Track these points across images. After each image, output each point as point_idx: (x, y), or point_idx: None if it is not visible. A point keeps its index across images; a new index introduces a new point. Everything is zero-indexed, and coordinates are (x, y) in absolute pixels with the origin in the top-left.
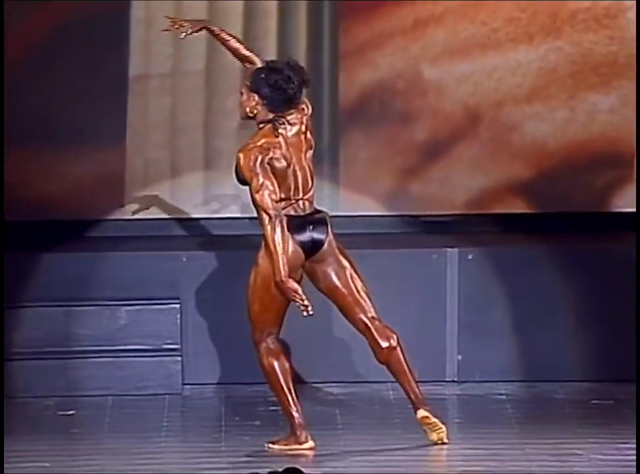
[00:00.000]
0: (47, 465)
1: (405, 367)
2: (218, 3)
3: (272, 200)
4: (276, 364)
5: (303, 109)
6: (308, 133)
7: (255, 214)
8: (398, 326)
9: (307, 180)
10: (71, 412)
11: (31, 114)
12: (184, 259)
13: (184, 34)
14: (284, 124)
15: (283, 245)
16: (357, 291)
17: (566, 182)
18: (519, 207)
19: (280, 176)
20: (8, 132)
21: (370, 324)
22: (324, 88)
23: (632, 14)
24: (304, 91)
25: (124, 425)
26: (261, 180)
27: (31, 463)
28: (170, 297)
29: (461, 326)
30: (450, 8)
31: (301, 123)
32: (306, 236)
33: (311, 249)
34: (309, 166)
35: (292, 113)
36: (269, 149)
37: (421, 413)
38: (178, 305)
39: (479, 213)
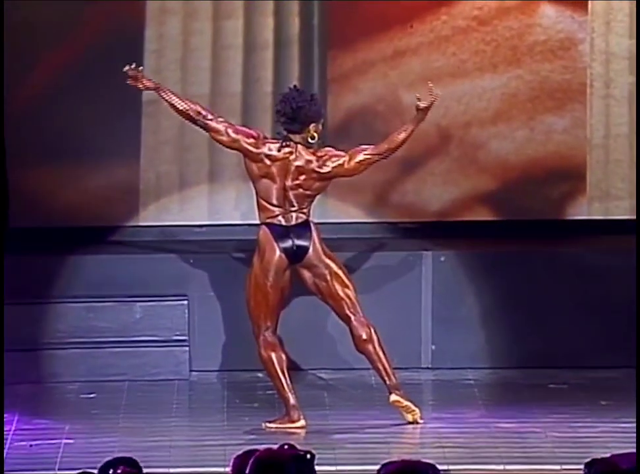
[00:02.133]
0: (72, 441)
1: (381, 356)
2: (221, 38)
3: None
4: (272, 354)
5: (291, 152)
6: (302, 169)
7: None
8: (379, 320)
9: (301, 200)
10: (92, 395)
11: (56, 133)
12: (191, 261)
13: (141, 88)
14: (288, 144)
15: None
16: (340, 290)
17: (526, 193)
18: (485, 215)
19: (259, 180)
20: (36, 149)
21: (351, 318)
22: None
23: (583, 47)
24: (299, 121)
25: (138, 407)
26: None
27: (57, 439)
28: (179, 294)
29: (434, 320)
30: (425, 41)
31: (290, 157)
32: (289, 243)
33: (295, 254)
34: (301, 193)
35: (293, 140)
36: (257, 145)
37: (392, 397)
38: (185, 302)
39: (450, 221)
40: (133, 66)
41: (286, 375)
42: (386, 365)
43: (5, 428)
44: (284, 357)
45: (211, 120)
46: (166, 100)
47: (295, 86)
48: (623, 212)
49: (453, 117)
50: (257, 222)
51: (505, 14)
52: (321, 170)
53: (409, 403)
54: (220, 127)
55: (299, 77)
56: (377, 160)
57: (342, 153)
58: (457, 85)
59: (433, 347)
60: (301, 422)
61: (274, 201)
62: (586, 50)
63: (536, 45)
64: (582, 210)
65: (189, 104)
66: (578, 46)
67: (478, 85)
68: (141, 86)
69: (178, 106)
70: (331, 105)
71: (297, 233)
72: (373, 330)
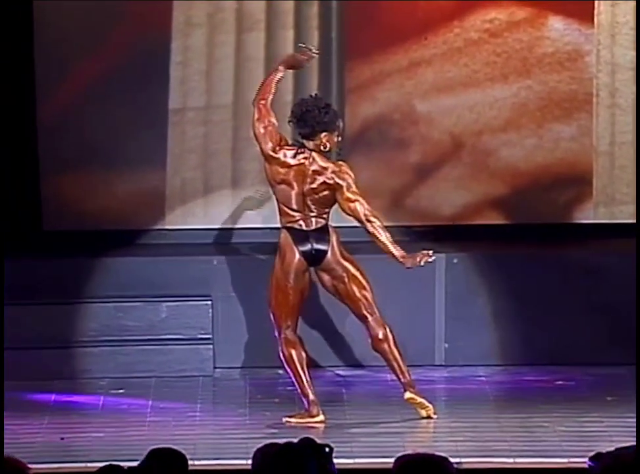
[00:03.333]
0: (102, 435)
1: (396, 355)
2: (244, 50)
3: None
4: (293, 352)
5: (306, 157)
6: (317, 175)
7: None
8: (394, 319)
9: (319, 207)
10: (121, 391)
11: (87, 141)
12: (215, 263)
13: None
14: (303, 151)
15: None
16: (357, 291)
17: (535, 198)
18: (495, 219)
19: (278, 186)
20: (68, 156)
21: (367, 318)
22: None
23: (589, 58)
24: (308, 129)
25: (164, 402)
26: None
27: (88, 433)
28: (203, 294)
29: (447, 319)
30: (438, 53)
31: (306, 162)
32: (308, 247)
33: (314, 258)
34: (317, 200)
35: (307, 146)
36: (275, 149)
37: (407, 395)
38: (209, 302)
39: (462, 224)
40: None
41: (306, 372)
42: (401, 364)
43: (38, 422)
44: (304, 354)
45: (262, 106)
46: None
47: (315, 94)
48: (628, 216)
49: (466, 125)
50: (278, 225)
51: (515, 27)
52: (329, 182)
53: (423, 400)
54: (260, 115)
55: (318, 87)
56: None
57: (349, 185)
58: (469, 95)
59: (446, 345)
60: (320, 417)
61: (294, 206)
62: (592, 61)
63: (545, 57)
64: (588, 215)
65: (270, 87)
66: (585, 57)
67: (489, 94)
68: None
69: (265, 83)
70: (349, 114)
71: (317, 237)
72: (388, 330)
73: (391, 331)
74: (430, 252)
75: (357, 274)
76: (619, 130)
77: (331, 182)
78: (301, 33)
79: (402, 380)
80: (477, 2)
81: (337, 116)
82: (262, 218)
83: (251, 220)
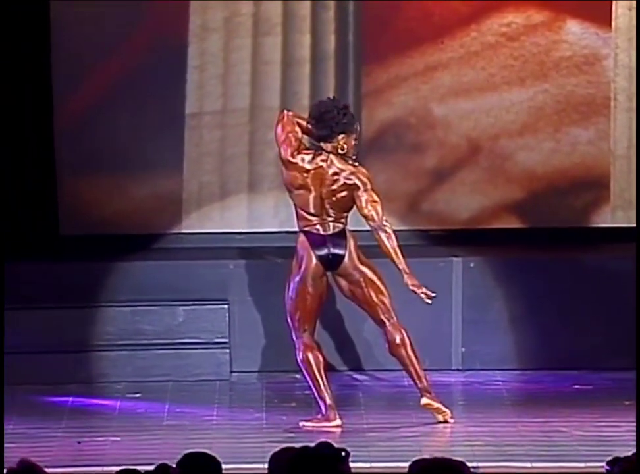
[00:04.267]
0: (119, 439)
1: (413, 360)
2: (260, 54)
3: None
4: (310, 356)
5: (324, 160)
6: (336, 176)
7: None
8: (411, 323)
9: (337, 211)
10: (137, 395)
11: (104, 145)
12: (231, 267)
13: None
14: (320, 153)
15: None
16: (375, 296)
17: (552, 202)
18: (512, 223)
19: (297, 190)
20: (85, 160)
21: (385, 323)
22: None
23: (607, 62)
24: (324, 133)
25: (181, 406)
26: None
27: (105, 437)
28: (220, 298)
29: (464, 323)
30: (455, 57)
31: (324, 165)
32: (324, 251)
33: (331, 262)
34: (336, 202)
35: (325, 149)
36: (293, 154)
37: (423, 400)
38: (226, 306)
39: (479, 228)
40: None
41: (324, 376)
42: (418, 369)
43: (55, 426)
44: (321, 358)
45: (287, 112)
46: None
47: (333, 97)
48: None
49: (483, 129)
50: (295, 229)
51: (532, 31)
52: (348, 182)
53: (439, 405)
54: (283, 120)
55: (334, 91)
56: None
57: (368, 186)
58: (486, 99)
59: (463, 349)
60: (337, 422)
61: (312, 210)
62: (610, 65)
63: (562, 60)
64: (606, 219)
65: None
66: (602, 61)
67: (506, 98)
68: None
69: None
70: (365, 118)
71: (334, 242)
72: (405, 335)
73: (408, 336)
74: (432, 294)
75: (375, 278)
76: (636, 133)
77: (350, 182)
78: (318, 37)
79: (419, 385)
80: (494, 5)
81: (355, 118)
82: (278, 222)
83: (267, 224)
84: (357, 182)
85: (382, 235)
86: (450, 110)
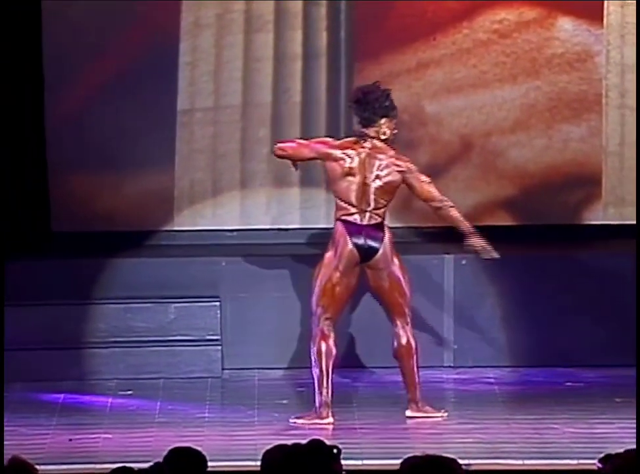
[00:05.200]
0: (110, 436)
1: (413, 370)
2: (252, 51)
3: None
4: (324, 347)
5: (365, 146)
6: (380, 161)
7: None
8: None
9: (379, 198)
10: (129, 392)
11: (96, 142)
12: (223, 264)
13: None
14: (364, 139)
15: None
16: (397, 297)
17: (544, 199)
18: (504, 220)
19: (341, 180)
20: (77, 157)
21: (398, 325)
22: (340, 120)
23: (599, 59)
24: (369, 116)
25: (173, 403)
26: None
27: (97, 434)
28: (211, 295)
29: (456, 320)
30: (447, 54)
31: (367, 151)
32: (361, 240)
33: (366, 253)
34: (380, 187)
35: (367, 134)
36: (339, 148)
37: (408, 412)
38: (218, 303)
39: (472, 225)
40: None
41: (329, 372)
42: (415, 380)
43: (47, 423)
44: (334, 352)
45: (295, 141)
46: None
47: (375, 81)
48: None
49: (475, 126)
50: (286, 226)
51: (524, 28)
52: (395, 168)
53: (424, 416)
54: (301, 143)
55: (326, 88)
56: (426, 199)
57: (416, 170)
58: (478, 96)
59: (455, 346)
60: (329, 420)
61: (352, 200)
62: (602, 62)
63: (554, 57)
64: (598, 216)
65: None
66: (594, 58)
67: (498, 95)
68: None
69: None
70: None
71: (370, 233)
72: (414, 345)
73: (417, 346)
74: (494, 253)
75: (402, 280)
76: (628, 130)
77: (396, 167)
78: (310, 34)
79: (409, 395)
80: (486, 2)
81: (394, 104)
82: (271, 218)
83: (260, 221)
84: (403, 166)
85: (449, 209)
86: (442, 107)
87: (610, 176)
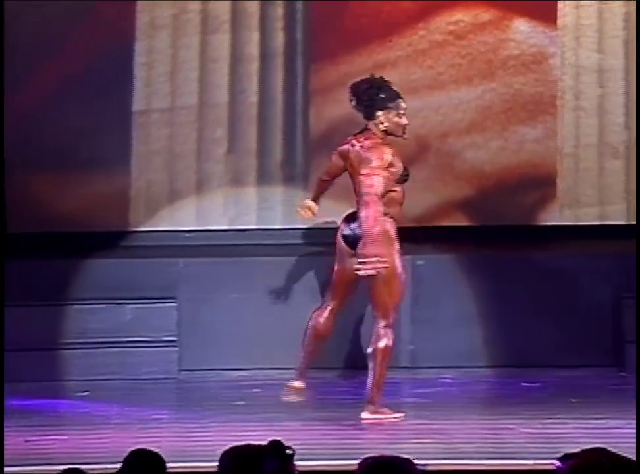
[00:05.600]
0: (66, 437)
1: (379, 370)
2: (208, 51)
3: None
4: (310, 323)
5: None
6: (359, 160)
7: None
8: (358, 320)
9: (359, 190)
10: (85, 393)
11: (51, 142)
12: (181, 265)
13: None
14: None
15: None
16: (383, 294)
17: (500, 200)
18: (461, 221)
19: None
20: (32, 157)
21: (378, 323)
22: (297, 121)
23: (554, 61)
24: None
25: (129, 404)
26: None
27: (52, 436)
28: (168, 296)
29: (413, 321)
30: (403, 55)
31: (361, 143)
32: (348, 231)
33: (353, 241)
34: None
35: (369, 126)
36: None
37: (363, 414)
38: (175, 304)
39: (428, 226)
40: None
41: (309, 348)
42: (378, 381)
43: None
44: (319, 331)
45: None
46: None
47: (372, 74)
48: (592, 218)
49: (431, 127)
50: (244, 227)
51: (480, 29)
52: (363, 155)
53: (378, 416)
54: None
55: (283, 88)
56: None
57: (371, 161)
58: (434, 97)
59: (411, 347)
60: (299, 384)
61: (355, 191)
62: (557, 64)
63: (509, 59)
64: (554, 217)
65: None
66: (549, 60)
67: (454, 97)
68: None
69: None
70: (314, 116)
71: (355, 222)
72: (388, 346)
73: (391, 348)
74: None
75: (393, 278)
76: (583, 132)
77: (364, 155)
78: (266, 34)
79: (368, 395)
80: (442, 4)
81: (397, 95)
82: (228, 219)
83: (216, 221)
84: (362, 156)
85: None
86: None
87: (565, 177)
